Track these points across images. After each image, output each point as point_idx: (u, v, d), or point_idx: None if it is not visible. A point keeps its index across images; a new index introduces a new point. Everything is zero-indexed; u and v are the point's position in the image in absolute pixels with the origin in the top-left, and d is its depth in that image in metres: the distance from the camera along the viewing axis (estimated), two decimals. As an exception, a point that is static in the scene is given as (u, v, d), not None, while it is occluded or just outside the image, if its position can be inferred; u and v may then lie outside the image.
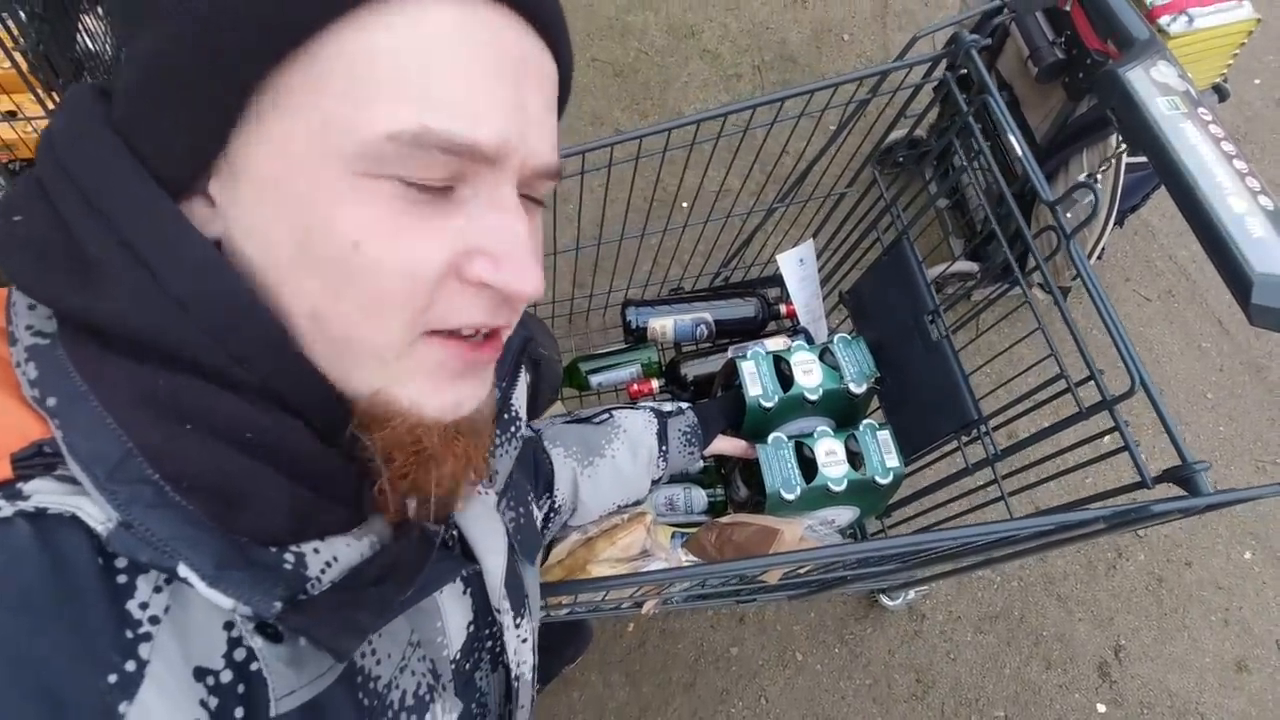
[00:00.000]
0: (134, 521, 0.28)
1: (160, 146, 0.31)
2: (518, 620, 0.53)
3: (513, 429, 0.54)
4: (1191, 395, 1.92)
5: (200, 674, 0.29)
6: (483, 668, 0.50)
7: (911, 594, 1.59)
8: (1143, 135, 0.77)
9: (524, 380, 0.58)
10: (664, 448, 0.88)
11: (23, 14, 1.02)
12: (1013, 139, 0.83)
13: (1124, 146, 1.34)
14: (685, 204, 1.89)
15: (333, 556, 0.34)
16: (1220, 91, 1.42)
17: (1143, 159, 1.24)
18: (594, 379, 1.23)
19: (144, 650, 0.28)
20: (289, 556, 0.32)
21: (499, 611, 0.48)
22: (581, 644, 1.56)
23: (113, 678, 0.27)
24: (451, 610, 0.45)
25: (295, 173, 0.30)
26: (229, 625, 0.31)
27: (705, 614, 1.62)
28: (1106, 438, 0.79)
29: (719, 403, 0.99)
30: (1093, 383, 0.78)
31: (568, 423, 0.85)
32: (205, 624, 0.30)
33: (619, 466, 0.83)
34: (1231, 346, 1.98)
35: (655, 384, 1.21)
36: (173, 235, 0.31)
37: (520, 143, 0.32)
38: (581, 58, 2.19)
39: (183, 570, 0.28)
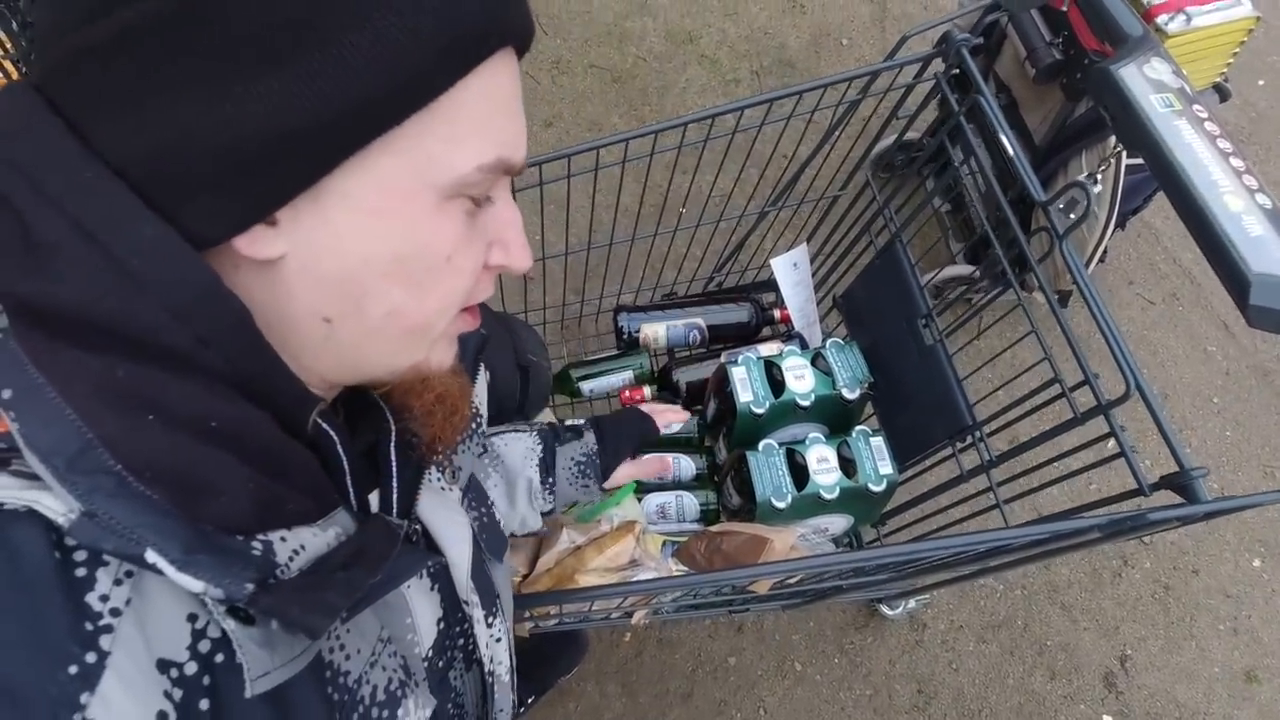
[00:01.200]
0: (97, 510, 0.28)
1: (224, 197, 0.31)
2: (489, 618, 0.53)
3: (473, 426, 0.55)
4: (1197, 400, 1.89)
5: (164, 665, 0.29)
6: (456, 666, 0.51)
7: (912, 603, 1.57)
8: (1136, 133, 0.75)
9: (483, 378, 0.58)
10: (549, 480, 0.80)
11: (15, 23, 1.02)
12: (1004, 139, 0.81)
13: (1121, 146, 1.32)
14: (678, 207, 1.88)
15: (300, 545, 0.35)
16: (1221, 91, 1.40)
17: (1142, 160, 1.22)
18: (585, 386, 1.21)
19: (105, 642, 0.28)
20: (256, 544, 0.32)
21: (467, 604, 0.49)
22: (577, 654, 1.54)
23: (73, 669, 0.27)
24: (421, 606, 0.46)
25: (397, 202, 0.33)
26: (192, 618, 0.31)
27: (703, 623, 1.60)
28: (1109, 443, 0.77)
29: (623, 423, 0.88)
30: (1089, 387, 0.77)
31: None
32: (168, 616, 0.30)
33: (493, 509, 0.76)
34: (1237, 350, 1.95)
35: (647, 391, 1.19)
36: (124, 214, 0.30)
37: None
38: (579, 64, 2.19)
39: (150, 556, 0.28)
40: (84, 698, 0.27)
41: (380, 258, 0.34)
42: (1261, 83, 2.33)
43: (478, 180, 0.35)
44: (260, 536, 0.33)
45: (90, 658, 0.27)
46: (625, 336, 1.23)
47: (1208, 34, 1.25)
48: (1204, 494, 0.64)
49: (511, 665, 0.57)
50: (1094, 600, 1.67)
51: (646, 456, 0.91)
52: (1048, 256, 0.80)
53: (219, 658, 0.31)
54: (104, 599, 0.28)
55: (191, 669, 0.30)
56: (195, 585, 0.29)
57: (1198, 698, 1.59)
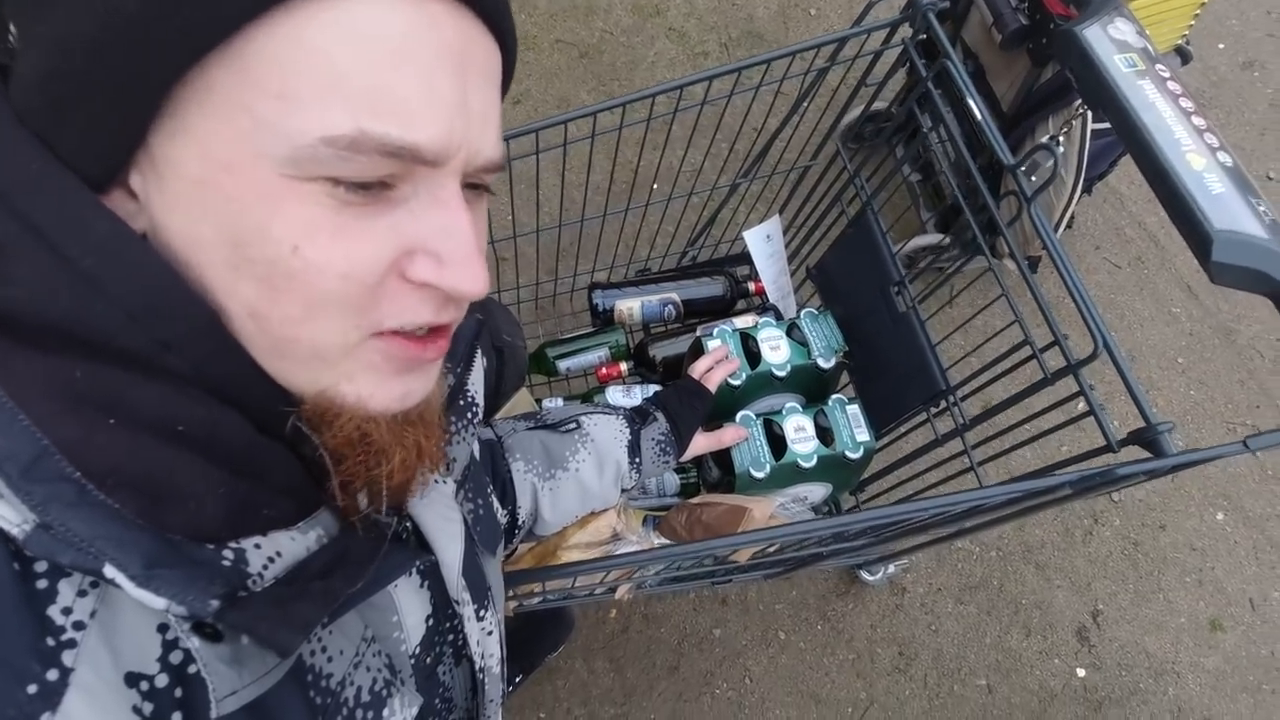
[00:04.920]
0: (53, 522, 0.26)
1: (72, 138, 0.29)
2: (481, 612, 0.52)
3: (469, 415, 0.53)
4: (1163, 360, 1.93)
5: (132, 679, 0.28)
6: (445, 662, 0.49)
7: (891, 568, 1.60)
8: (1101, 93, 0.75)
9: (480, 365, 0.56)
10: (636, 460, 0.83)
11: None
12: (972, 102, 0.81)
13: (1085, 108, 1.34)
14: (649, 182, 1.86)
15: (275, 552, 0.33)
16: (1183, 54, 1.42)
17: (1108, 125, 1.24)
18: (561, 364, 1.21)
19: (68, 658, 0.26)
20: (228, 553, 0.31)
21: (458, 603, 0.47)
22: (564, 632, 1.55)
23: (32, 688, 0.25)
24: (408, 604, 0.44)
25: (223, 174, 0.28)
26: (163, 628, 0.29)
27: (688, 597, 1.61)
28: (1080, 404, 0.78)
29: (684, 404, 0.92)
30: (1059, 348, 0.78)
31: (531, 429, 0.81)
32: (137, 627, 0.29)
33: (583, 480, 0.79)
34: (1201, 311, 1.99)
35: (624, 366, 1.19)
36: (75, 209, 0.29)
37: (463, 142, 0.31)
38: (546, 39, 2.15)
39: (109, 571, 0.27)
40: (45, 717, 0.25)
41: (213, 241, 0.29)
42: (1221, 46, 2.36)
43: (330, 158, 0.28)
44: (232, 544, 0.31)
45: (52, 675, 0.26)
46: (600, 313, 1.22)
47: (1169, -4, 1.26)
48: (1170, 448, 0.66)
49: (502, 656, 0.57)
50: (1066, 559, 1.71)
51: (725, 430, 0.96)
52: (1017, 219, 0.80)
53: (192, 669, 0.30)
54: (66, 612, 0.27)
55: (163, 681, 0.29)
56: (157, 603, 0.27)
57: (1166, 647, 1.65)
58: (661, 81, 2.12)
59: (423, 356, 0.35)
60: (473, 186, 0.34)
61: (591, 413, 0.85)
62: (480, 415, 0.56)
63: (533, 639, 1.54)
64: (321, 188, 0.28)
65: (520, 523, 0.78)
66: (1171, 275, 2.02)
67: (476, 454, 0.59)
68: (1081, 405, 0.75)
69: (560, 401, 1.20)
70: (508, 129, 0.95)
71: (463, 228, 0.32)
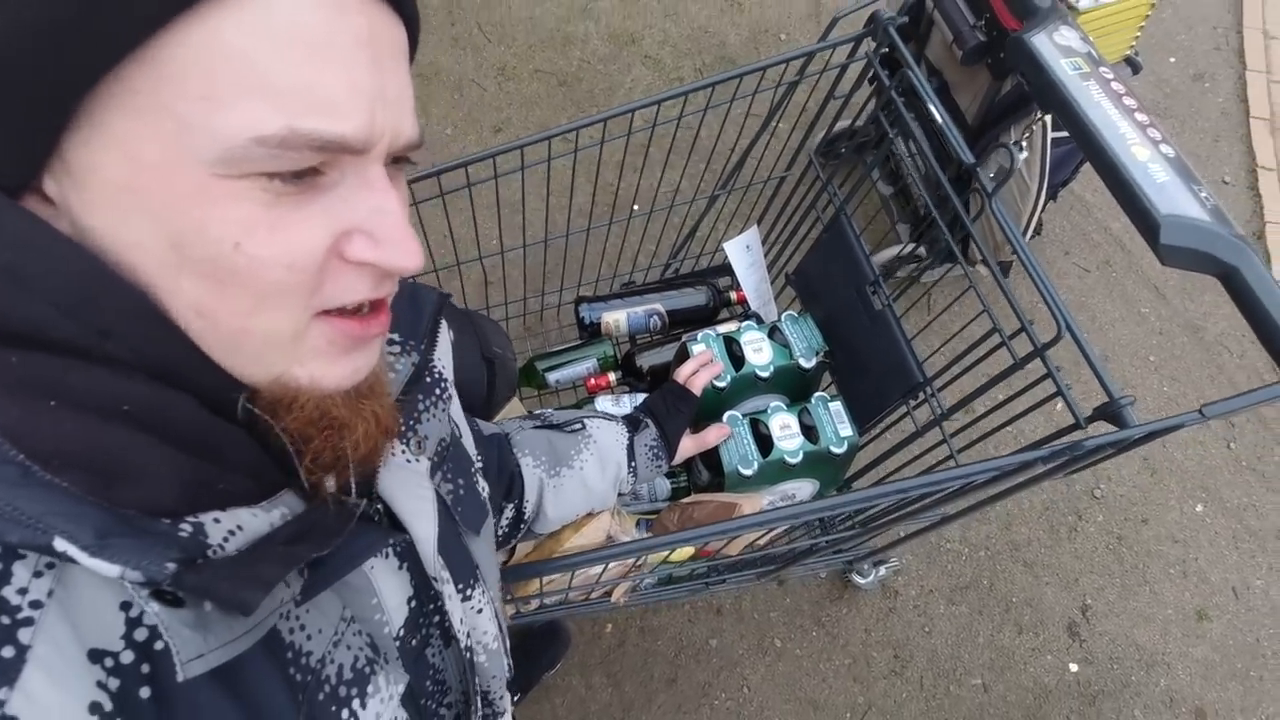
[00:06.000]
0: None
1: None
2: (466, 590, 0.52)
3: (438, 391, 0.53)
4: (1135, 359, 1.99)
5: (96, 655, 0.28)
6: (434, 643, 0.49)
7: (883, 570, 1.62)
8: (1051, 95, 0.80)
9: (446, 338, 0.56)
10: (633, 464, 0.87)
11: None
12: (932, 108, 0.86)
13: (1043, 115, 1.40)
14: (630, 203, 1.91)
15: (236, 525, 0.33)
16: (1132, 64, 1.50)
17: (1067, 134, 1.30)
18: (551, 376, 1.23)
19: (24, 635, 0.27)
20: (185, 526, 0.31)
21: (436, 580, 0.47)
22: (560, 649, 1.55)
23: None
24: (387, 586, 0.44)
25: (151, 178, 0.28)
26: (126, 605, 0.30)
27: (683, 608, 1.62)
28: (1050, 388, 0.81)
29: (670, 409, 0.95)
30: (1025, 335, 0.82)
31: (538, 428, 0.84)
32: (99, 606, 0.29)
33: (586, 479, 0.82)
34: (1169, 310, 2.06)
35: (612, 377, 1.22)
36: None
37: (385, 127, 0.32)
38: (525, 69, 2.21)
39: (59, 544, 0.27)
40: (3, 692, 0.25)
41: (147, 243, 0.30)
42: (1173, 60, 2.47)
43: (262, 156, 0.28)
44: (190, 519, 0.31)
45: (7, 652, 0.26)
46: (587, 326, 1.25)
47: (1115, 10, 1.34)
48: (1133, 419, 0.69)
49: (500, 633, 0.56)
50: (1053, 555, 1.74)
51: (708, 430, 0.99)
52: (981, 214, 0.85)
53: (159, 645, 0.30)
54: (22, 592, 0.27)
55: (128, 658, 0.29)
56: (111, 570, 0.27)
57: (1155, 639, 1.68)
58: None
59: (366, 334, 0.36)
60: (395, 161, 0.35)
61: (594, 416, 0.88)
62: (451, 391, 0.55)
63: (529, 658, 1.53)
64: (255, 183, 0.29)
65: (526, 517, 0.79)
66: (1139, 277, 2.09)
67: (460, 434, 0.59)
68: (1051, 388, 0.79)
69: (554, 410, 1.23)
70: (488, 149, 0.99)
71: (393, 207, 0.33)
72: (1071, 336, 0.74)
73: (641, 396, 1.20)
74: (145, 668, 0.30)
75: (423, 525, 0.45)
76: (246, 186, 0.29)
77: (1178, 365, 1.99)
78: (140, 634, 0.30)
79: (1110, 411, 0.70)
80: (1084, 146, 0.78)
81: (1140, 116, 0.79)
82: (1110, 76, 0.82)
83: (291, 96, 0.28)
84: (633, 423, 0.92)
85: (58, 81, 0.27)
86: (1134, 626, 1.69)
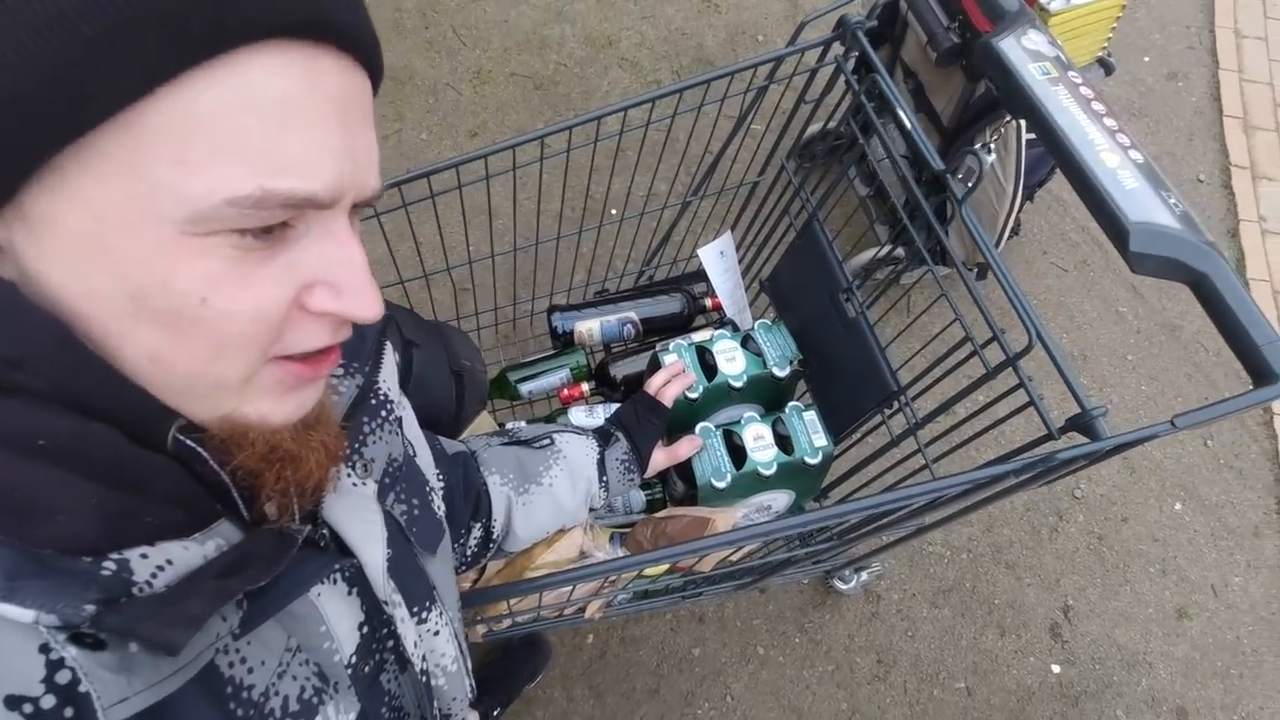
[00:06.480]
0: None
1: None
2: (422, 613, 0.51)
3: (384, 414, 0.52)
4: (1114, 358, 1.99)
5: (14, 702, 0.27)
6: (389, 669, 0.48)
7: (864, 575, 1.61)
8: (1019, 99, 0.79)
9: (390, 360, 0.56)
10: (604, 479, 0.86)
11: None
12: (901, 112, 0.85)
13: (1012, 118, 1.40)
14: (602, 208, 1.89)
15: (166, 560, 0.32)
16: (1105, 65, 1.49)
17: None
18: (524, 387, 1.21)
19: None
20: (109, 564, 0.30)
21: (387, 604, 0.46)
22: (541, 661, 1.53)
23: None
24: (335, 612, 0.43)
25: (117, 234, 0.28)
26: (45, 648, 0.28)
27: (664, 618, 1.61)
28: (1023, 397, 0.80)
29: (641, 420, 0.94)
30: (998, 345, 0.80)
31: (506, 444, 0.82)
32: (17, 649, 0.28)
33: (556, 496, 0.81)
34: (1146, 309, 2.07)
35: (585, 387, 1.20)
36: None
37: (351, 184, 0.33)
38: (500, 73, 2.19)
39: None
40: None
41: (106, 293, 0.29)
42: (1147, 59, 2.49)
43: (234, 215, 0.29)
44: (114, 555, 0.30)
45: None
46: (560, 336, 1.23)
47: (1086, 12, 1.33)
48: (1105, 431, 0.68)
49: (460, 654, 0.55)
50: (1035, 557, 1.74)
51: (679, 443, 0.97)
52: (951, 220, 0.83)
53: (82, 687, 0.29)
54: None
55: (49, 702, 0.28)
56: (24, 615, 0.27)
57: (1136, 638, 1.68)
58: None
59: (316, 375, 0.37)
60: (353, 208, 0.36)
61: (563, 431, 0.87)
62: (397, 413, 0.55)
63: (509, 670, 1.51)
64: (225, 239, 0.29)
65: (495, 536, 0.77)
66: (1116, 276, 2.09)
67: (414, 453, 0.58)
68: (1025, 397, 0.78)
69: (524, 424, 1.20)
70: (457, 155, 0.97)
71: (355, 258, 0.34)
72: (1043, 345, 0.73)
73: (615, 407, 1.19)
74: (69, 711, 0.28)
75: (371, 549, 0.45)
76: (215, 243, 0.29)
77: (1155, 364, 1.99)
78: (62, 676, 0.28)
79: (1082, 423, 0.69)
80: (1053, 152, 0.77)
81: (1109, 121, 0.78)
82: (1079, 81, 0.81)
83: (265, 160, 0.29)
84: (603, 436, 0.90)
85: (25, 144, 0.27)
86: (1115, 626, 1.69)
